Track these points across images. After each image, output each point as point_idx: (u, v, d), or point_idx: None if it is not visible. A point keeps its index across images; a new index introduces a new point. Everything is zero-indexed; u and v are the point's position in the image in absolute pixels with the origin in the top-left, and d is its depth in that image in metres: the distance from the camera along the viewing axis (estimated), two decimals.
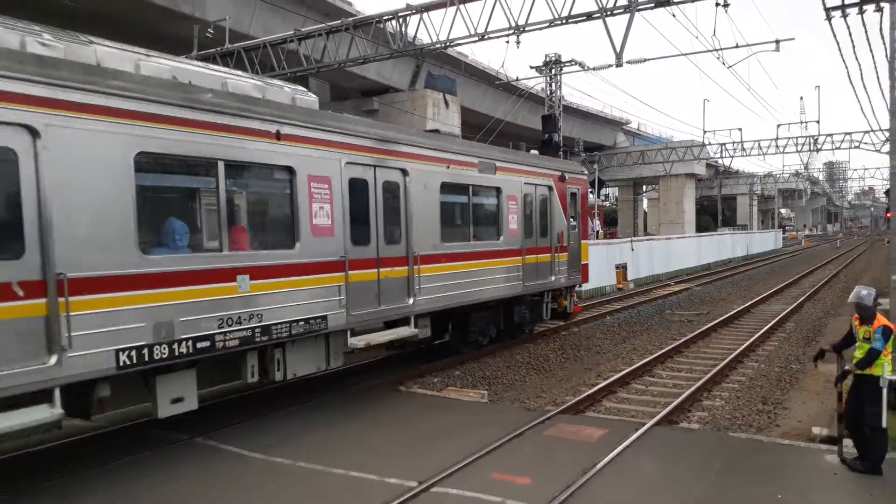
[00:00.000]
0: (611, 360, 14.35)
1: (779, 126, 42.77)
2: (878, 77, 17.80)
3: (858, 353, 7.36)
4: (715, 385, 12.09)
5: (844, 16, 13.83)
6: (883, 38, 14.49)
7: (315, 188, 9.28)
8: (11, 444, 8.34)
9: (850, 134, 39.91)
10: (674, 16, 16.44)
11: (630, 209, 73.38)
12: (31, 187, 6.27)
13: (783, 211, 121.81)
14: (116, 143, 6.98)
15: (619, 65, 16.97)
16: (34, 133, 6.29)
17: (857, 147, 39.19)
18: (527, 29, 16.72)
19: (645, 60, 23.15)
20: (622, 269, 29.18)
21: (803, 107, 74.96)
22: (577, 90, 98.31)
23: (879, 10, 13.73)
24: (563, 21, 16.23)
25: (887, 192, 17.52)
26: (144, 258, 7.24)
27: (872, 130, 35.40)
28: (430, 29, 18.22)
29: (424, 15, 18.19)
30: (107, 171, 6.90)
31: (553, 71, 30.79)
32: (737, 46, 21.42)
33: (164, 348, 7.36)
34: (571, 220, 16.52)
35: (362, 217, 10.21)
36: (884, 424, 7.12)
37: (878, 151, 37.22)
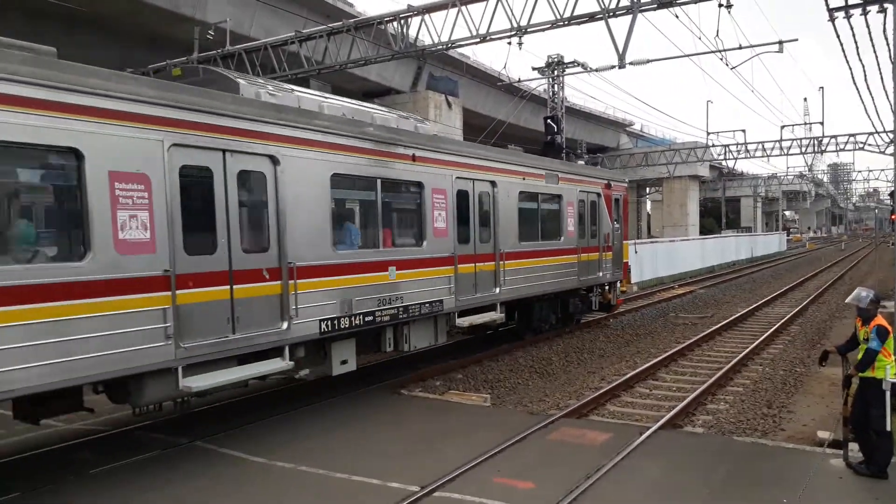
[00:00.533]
0: (614, 363, 14.27)
1: (783, 127, 42.51)
2: (881, 78, 17.70)
3: (860, 355, 7.32)
4: (719, 389, 12.00)
5: (848, 17, 13.76)
6: (887, 38, 14.42)
7: (436, 198, 11.74)
8: (9, 448, 8.32)
9: (854, 135, 39.75)
10: (676, 17, 16.35)
11: (633, 211, 73.24)
12: (273, 200, 8.70)
13: (787, 213, 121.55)
14: (320, 167, 9.40)
15: (621, 66, 16.88)
16: (275, 161, 8.69)
17: (862, 149, 39.03)
18: (529, 30, 16.65)
19: (648, 62, 23.05)
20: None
21: (807, 108, 74.64)
22: (579, 91, 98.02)
23: (883, 10, 13.67)
24: (566, 22, 16.15)
25: (891, 194, 17.44)
26: (335, 252, 9.68)
27: (877, 132, 35.19)
28: (431, 30, 18.17)
29: (426, 16, 18.12)
30: (315, 188, 9.32)
31: (555, 72, 30.70)
32: (740, 47, 21.32)
33: (346, 320, 9.75)
34: (615, 223, 18.69)
35: (465, 221, 12.59)
36: (888, 428, 7.05)
37: (883, 153, 37.11)
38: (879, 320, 7.23)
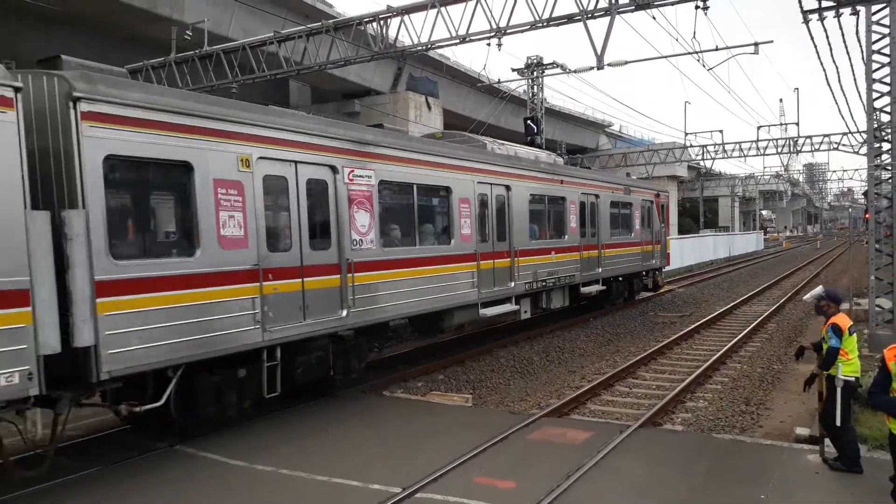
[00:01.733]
0: (595, 362, 14.35)
1: (759, 128, 43.08)
2: (854, 79, 17.98)
3: (825, 354, 7.47)
4: (698, 386, 12.11)
5: (822, 19, 13.96)
6: (859, 40, 14.65)
7: (570, 207, 17.80)
8: None
9: (828, 136, 40.27)
10: (654, 18, 16.50)
11: None
12: (508, 211, 14.91)
13: (764, 212, 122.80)
14: (525, 190, 15.64)
15: (600, 67, 17.00)
16: (509, 189, 14.91)
17: (836, 149, 39.53)
18: (508, 31, 16.70)
19: (626, 63, 23.26)
20: None
21: (783, 109, 75.45)
22: (558, 93, 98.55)
23: (855, 13, 13.89)
24: (545, 23, 16.23)
25: (865, 194, 17.76)
26: (529, 242, 15.76)
27: (850, 132, 35.68)
28: (411, 31, 18.16)
29: (405, 17, 18.10)
30: (523, 203, 15.53)
31: (535, 73, 30.81)
32: (716, 49, 21.56)
33: (535, 284, 15.87)
34: (661, 223, 25.17)
35: (583, 222, 18.49)
36: (837, 423, 7.15)
37: (857, 153, 37.64)
38: (834, 318, 7.38)
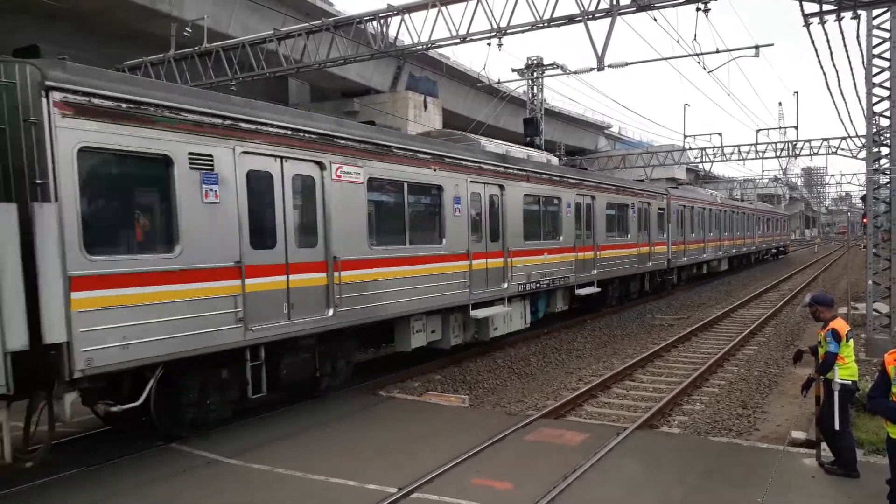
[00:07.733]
0: (592, 364, 14.33)
1: (758, 131, 43.26)
2: (854, 83, 17.96)
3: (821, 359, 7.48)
4: (695, 389, 12.11)
5: (822, 23, 13.95)
6: (860, 44, 14.65)
7: (769, 222, 48.14)
8: None
9: (827, 140, 40.19)
10: (655, 20, 16.46)
11: None
12: (749, 221, 43.66)
13: None
14: (751, 214, 43.64)
15: (600, 68, 16.94)
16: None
17: (835, 153, 39.38)
18: (508, 31, 16.64)
19: (626, 64, 23.24)
20: None
21: (782, 112, 75.44)
22: (558, 94, 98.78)
23: (856, 17, 13.87)
24: (545, 24, 16.16)
25: (863, 198, 17.83)
26: (750, 234, 42.08)
27: (849, 137, 35.61)
28: (411, 30, 18.08)
29: (406, 16, 18.03)
30: (746, 219, 41.69)
31: (534, 74, 30.82)
32: (717, 51, 21.57)
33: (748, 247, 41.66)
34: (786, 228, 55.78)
35: (768, 227, 45.45)
36: (836, 427, 7.15)
37: (855, 157, 37.56)
38: (833, 323, 7.38)
